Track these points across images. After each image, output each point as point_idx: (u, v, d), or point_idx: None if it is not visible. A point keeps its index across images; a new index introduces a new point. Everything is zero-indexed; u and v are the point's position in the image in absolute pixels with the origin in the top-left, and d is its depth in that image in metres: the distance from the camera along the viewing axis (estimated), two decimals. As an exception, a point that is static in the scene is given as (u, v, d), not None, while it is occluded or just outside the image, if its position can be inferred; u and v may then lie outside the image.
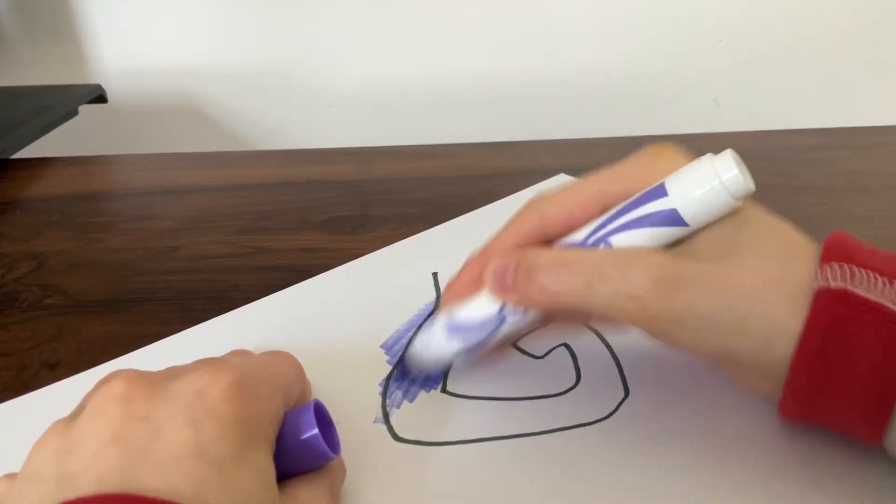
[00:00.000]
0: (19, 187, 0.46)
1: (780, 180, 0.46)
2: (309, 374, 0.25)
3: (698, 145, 0.49)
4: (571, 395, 0.26)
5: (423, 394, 0.27)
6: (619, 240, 0.21)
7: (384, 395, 0.26)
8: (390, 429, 0.25)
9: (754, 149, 0.51)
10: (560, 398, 0.26)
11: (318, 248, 0.38)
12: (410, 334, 0.29)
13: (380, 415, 0.25)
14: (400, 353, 0.28)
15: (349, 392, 0.26)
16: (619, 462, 0.23)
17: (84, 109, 0.61)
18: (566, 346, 0.29)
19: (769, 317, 0.20)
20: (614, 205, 0.22)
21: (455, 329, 0.24)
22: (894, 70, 0.88)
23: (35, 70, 0.79)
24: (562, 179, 0.45)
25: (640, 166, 0.23)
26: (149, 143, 0.85)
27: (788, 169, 0.48)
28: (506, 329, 0.24)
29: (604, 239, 0.22)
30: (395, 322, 0.30)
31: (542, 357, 0.28)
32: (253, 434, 0.18)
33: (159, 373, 0.20)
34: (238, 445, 0.17)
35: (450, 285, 0.25)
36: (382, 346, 0.29)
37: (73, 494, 0.15)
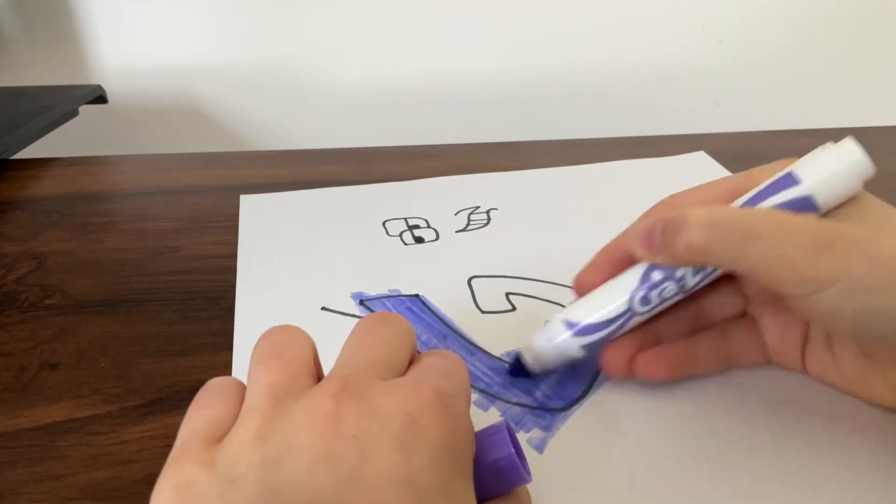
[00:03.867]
0: (19, 187, 0.46)
1: (780, 180, 0.46)
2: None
3: (698, 145, 0.49)
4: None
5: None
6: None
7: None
8: None
9: (754, 149, 0.51)
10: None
11: (319, 249, 0.38)
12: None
13: None
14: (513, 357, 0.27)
15: None
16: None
17: (84, 110, 0.61)
18: (509, 294, 0.31)
19: None
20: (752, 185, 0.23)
21: (580, 329, 0.24)
22: (894, 70, 0.88)
23: (35, 70, 0.79)
24: (701, 157, 0.47)
25: (773, 167, 0.24)
26: (149, 143, 0.85)
27: (789, 169, 0.48)
28: (636, 320, 0.24)
29: None
30: None
31: (514, 308, 0.30)
32: (459, 458, 0.17)
33: (355, 373, 0.19)
34: (446, 475, 0.16)
35: (579, 275, 0.25)
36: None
37: None
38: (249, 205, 0.42)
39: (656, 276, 0.23)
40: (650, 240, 0.22)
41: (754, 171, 0.24)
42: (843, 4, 0.83)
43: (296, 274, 0.34)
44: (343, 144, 0.55)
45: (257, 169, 0.49)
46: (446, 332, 0.30)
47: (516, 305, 0.32)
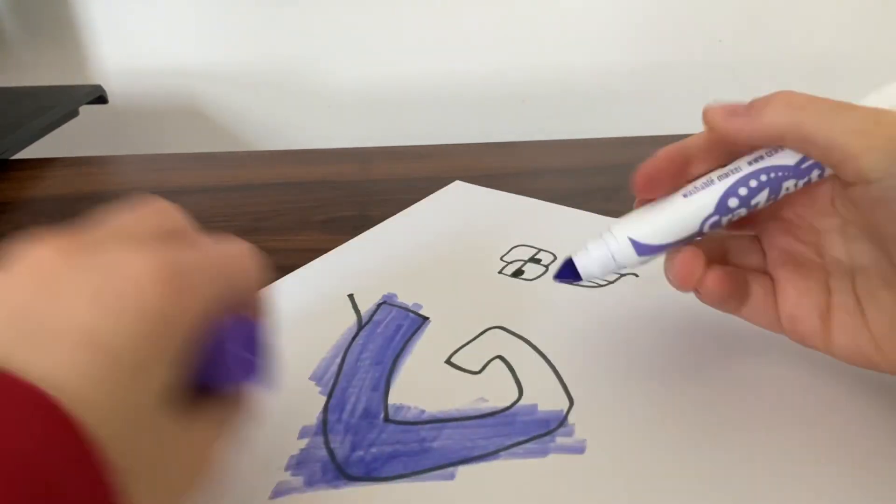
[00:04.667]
0: (19, 187, 0.46)
1: (780, 180, 0.46)
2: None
3: (698, 145, 0.49)
4: (518, 409, 0.25)
5: (361, 429, 0.25)
6: None
7: (324, 431, 0.24)
8: (337, 467, 0.23)
9: (754, 149, 0.51)
10: (507, 413, 0.25)
11: (318, 249, 0.38)
12: (338, 360, 0.28)
13: (320, 454, 0.23)
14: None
15: (277, 434, 0.24)
16: (580, 471, 0.23)
17: (84, 110, 0.61)
18: (501, 358, 0.28)
19: None
20: None
21: (647, 249, 0.24)
22: (894, 70, 0.88)
23: (35, 70, 0.79)
24: (458, 186, 0.45)
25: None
26: (149, 143, 0.85)
27: (789, 169, 0.48)
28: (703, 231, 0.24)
29: None
30: (320, 350, 0.29)
31: (479, 372, 0.27)
32: (163, 341, 0.15)
33: (102, 233, 0.17)
34: (140, 348, 0.15)
35: (641, 170, 0.24)
36: (312, 378, 0.27)
37: None
38: (457, 191, 0.44)
39: (732, 202, 0.23)
40: (733, 111, 0.22)
41: None
42: (843, 5, 0.83)
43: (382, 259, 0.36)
44: (343, 144, 0.55)
45: (257, 169, 0.49)
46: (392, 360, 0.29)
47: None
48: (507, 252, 0.37)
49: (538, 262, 0.36)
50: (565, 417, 0.25)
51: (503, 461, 0.23)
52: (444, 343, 0.29)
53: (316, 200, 0.44)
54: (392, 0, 0.78)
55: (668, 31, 0.83)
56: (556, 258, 0.36)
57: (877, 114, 0.20)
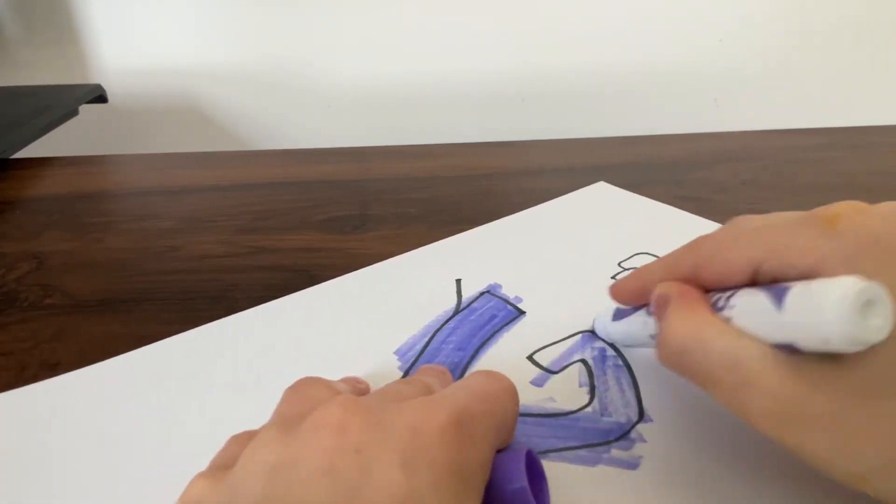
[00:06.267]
0: (19, 187, 0.46)
1: (780, 180, 0.46)
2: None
3: (698, 145, 0.49)
4: (582, 415, 0.25)
5: None
6: (737, 312, 0.19)
7: None
8: None
9: (754, 149, 0.51)
10: (570, 417, 0.25)
11: (318, 248, 0.38)
12: (426, 340, 0.29)
13: None
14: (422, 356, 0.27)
15: None
16: (626, 486, 0.22)
17: (84, 109, 0.61)
18: (584, 362, 0.28)
19: None
20: (766, 274, 0.19)
21: (615, 336, 0.28)
22: (894, 70, 0.88)
23: (35, 70, 0.79)
24: (601, 187, 0.44)
25: (807, 241, 0.18)
26: (149, 143, 0.85)
27: (788, 169, 0.48)
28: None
29: (727, 304, 0.20)
30: (412, 328, 0.30)
31: (557, 372, 0.27)
32: (466, 485, 0.17)
33: (375, 396, 0.19)
34: (449, 497, 0.16)
35: (616, 284, 0.25)
36: (396, 352, 0.28)
37: None
38: (598, 191, 0.43)
39: None
40: (658, 307, 0.22)
41: (782, 240, 0.19)
42: (843, 5, 0.83)
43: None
44: (343, 144, 0.55)
45: (257, 169, 0.49)
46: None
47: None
48: (628, 258, 0.36)
49: None
50: (628, 431, 0.24)
51: (550, 462, 0.23)
52: (533, 339, 0.29)
53: (316, 200, 0.44)
54: (392, 0, 0.78)
55: (669, 31, 0.83)
56: None
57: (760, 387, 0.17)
